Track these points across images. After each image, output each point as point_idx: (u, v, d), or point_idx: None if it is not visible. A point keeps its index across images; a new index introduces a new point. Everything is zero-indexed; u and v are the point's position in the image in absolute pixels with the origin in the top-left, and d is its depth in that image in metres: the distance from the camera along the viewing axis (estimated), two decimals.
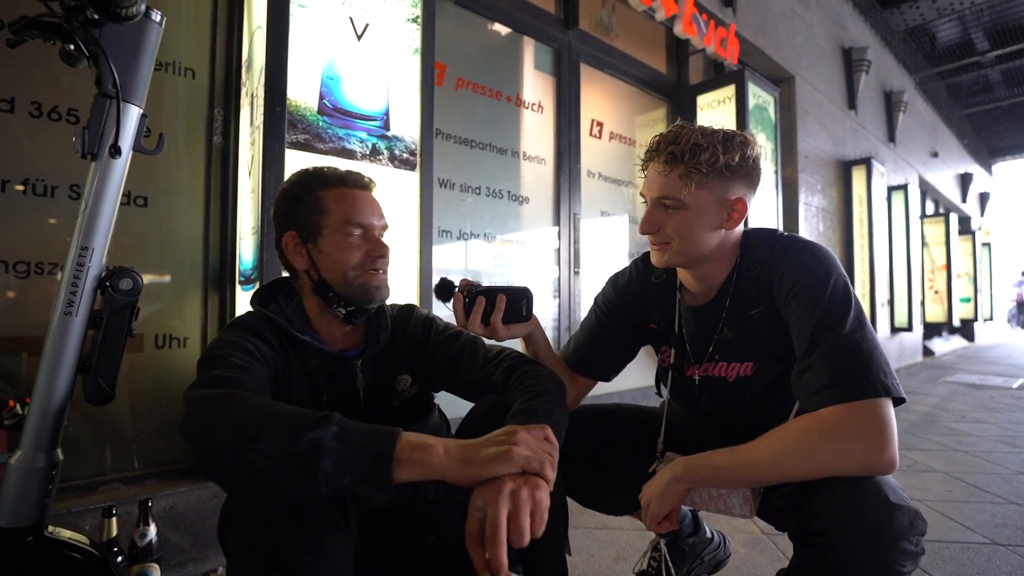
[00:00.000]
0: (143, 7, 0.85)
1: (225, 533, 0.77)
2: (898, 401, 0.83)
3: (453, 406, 1.22)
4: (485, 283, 1.05)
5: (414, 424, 1.08)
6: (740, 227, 1.06)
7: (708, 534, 1.42)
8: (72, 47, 0.82)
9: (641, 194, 1.08)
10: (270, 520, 0.70)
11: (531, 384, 0.93)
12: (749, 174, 1.02)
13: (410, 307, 1.17)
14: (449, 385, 1.11)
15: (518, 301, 1.05)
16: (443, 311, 1.17)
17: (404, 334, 1.11)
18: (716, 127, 1.02)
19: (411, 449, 0.68)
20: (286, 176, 1.67)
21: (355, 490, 0.66)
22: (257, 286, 1.65)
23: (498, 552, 0.64)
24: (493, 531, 0.65)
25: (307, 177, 1.02)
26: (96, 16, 0.81)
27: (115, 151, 0.87)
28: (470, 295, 1.02)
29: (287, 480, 0.65)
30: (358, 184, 1.03)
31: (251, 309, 1.01)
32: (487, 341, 1.10)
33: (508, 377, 0.98)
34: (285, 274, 1.09)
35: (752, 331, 1.05)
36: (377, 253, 1.01)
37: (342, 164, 1.77)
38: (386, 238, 1.05)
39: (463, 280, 1.06)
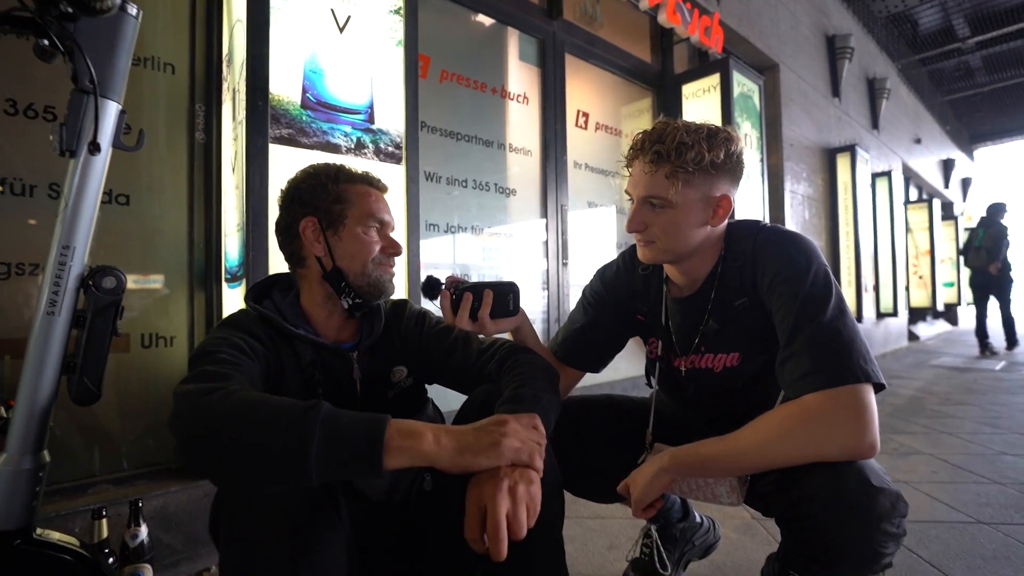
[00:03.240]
0: (118, 0, 0.83)
1: (216, 529, 0.77)
2: (878, 387, 0.84)
3: (444, 400, 1.22)
4: (474, 277, 1.06)
5: (409, 417, 1.08)
6: (725, 221, 1.07)
7: (697, 519, 1.44)
8: (46, 42, 0.80)
9: (626, 191, 1.09)
10: (260, 515, 0.70)
11: (521, 372, 0.94)
12: (733, 170, 1.03)
13: (403, 301, 1.19)
14: (443, 378, 1.12)
15: (505, 296, 1.06)
16: (430, 309, 1.18)
17: (398, 327, 1.12)
18: (699, 123, 1.03)
19: (400, 436, 0.69)
20: (271, 171, 1.67)
21: (347, 478, 0.67)
22: (244, 283, 1.64)
23: (500, 548, 0.66)
24: (495, 530, 0.67)
25: (333, 169, 1.05)
26: (70, 10, 0.80)
27: (94, 148, 0.86)
28: (457, 292, 1.03)
29: (277, 472, 0.65)
30: (378, 185, 1.08)
31: (244, 306, 1.01)
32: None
33: (501, 367, 1.00)
34: (276, 271, 1.10)
35: (737, 322, 1.06)
36: (393, 250, 1.06)
37: (327, 158, 1.76)
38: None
39: (449, 277, 1.06)
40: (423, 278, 1.08)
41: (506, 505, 0.68)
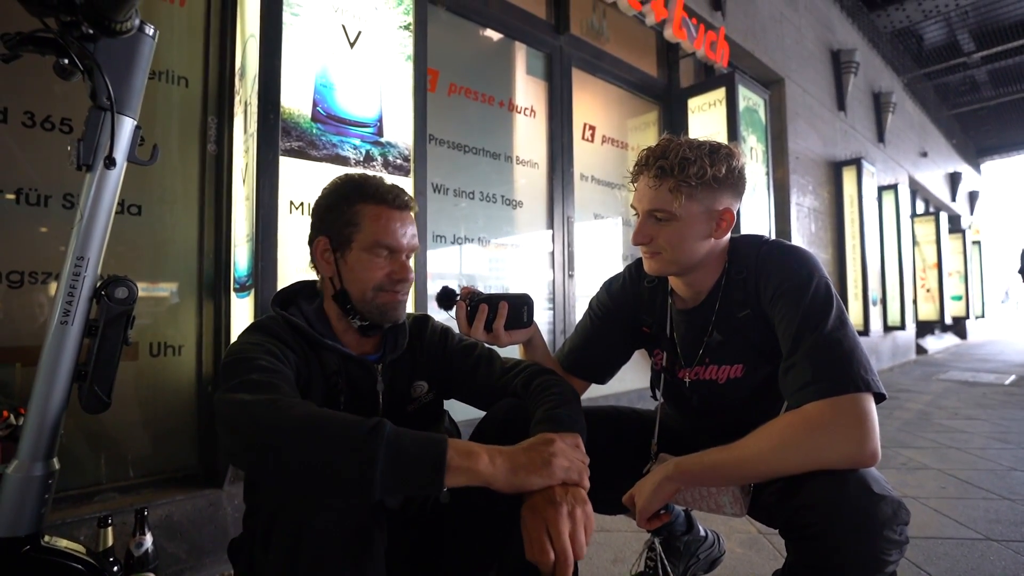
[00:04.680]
0: (137, 22, 0.86)
1: (245, 548, 0.78)
2: (879, 397, 0.85)
3: (452, 410, 1.23)
4: (480, 287, 1.07)
5: (427, 429, 1.09)
6: (728, 235, 1.09)
7: (702, 532, 1.43)
8: (66, 61, 0.83)
9: (632, 206, 1.11)
10: (325, 517, 0.72)
11: (555, 392, 0.96)
12: (735, 185, 1.05)
13: (425, 316, 1.19)
14: (463, 393, 1.13)
15: (519, 308, 1.08)
16: (442, 318, 1.19)
17: (421, 342, 1.13)
18: (702, 139, 1.06)
19: (460, 457, 0.72)
20: (280, 183, 1.69)
21: (408, 495, 0.70)
22: (253, 293, 1.65)
23: (567, 572, 0.71)
24: (563, 555, 0.71)
25: (349, 186, 1.01)
26: (91, 31, 0.82)
27: (110, 162, 0.88)
28: (473, 303, 1.04)
29: (342, 488, 0.68)
30: (397, 204, 1.01)
31: (270, 312, 1.02)
32: (501, 353, 1.13)
33: (528, 385, 1.01)
34: (285, 281, 1.10)
35: (741, 333, 1.07)
36: (399, 276, 1.01)
37: (336, 171, 1.78)
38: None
39: (464, 288, 1.07)
40: (437, 289, 1.08)
41: (568, 528, 0.72)
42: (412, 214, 1.05)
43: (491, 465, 0.73)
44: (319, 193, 1.05)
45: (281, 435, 0.69)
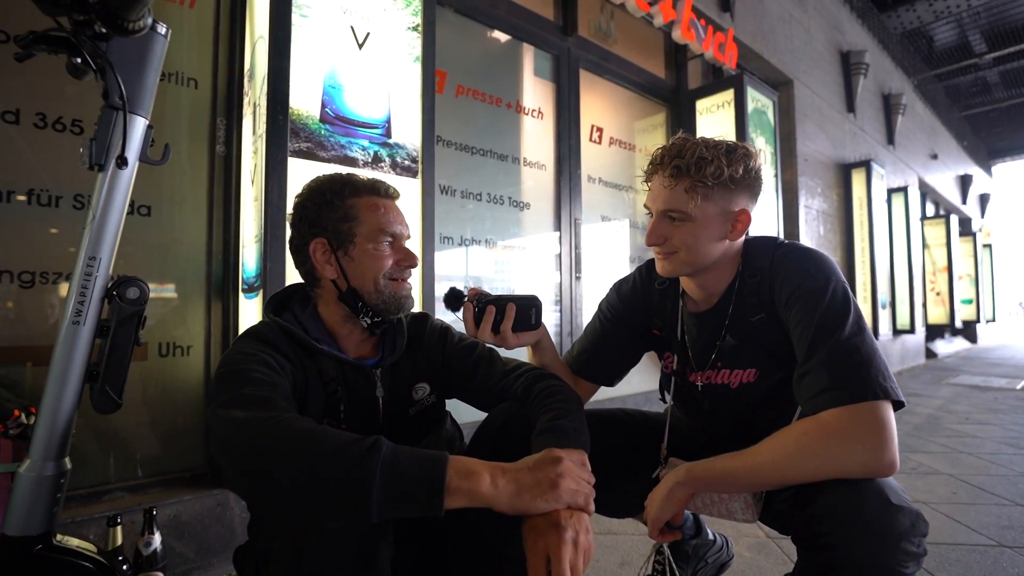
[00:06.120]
0: (150, 20, 0.86)
1: (251, 557, 0.76)
2: (898, 405, 0.83)
3: (456, 411, 1.22)
4: (487, 289, 1.06)
5: (429, 433, 1.08)
6: (743, 236, 1.07)
7: (710, 536, 1.42)
8: (79, 60, 0.83)
9: (645, 205, 1.09)
10: (328, 535, 0.70)
11: (558, 400, 0.93)
12: (752, 185, 1.03)
13: (424, 315, 1.16)
14: (463, 394, 1.10)
15: (527, 310, 1.06)
16: (449, 319, 1.18)
17: (420, 342, 1.10)
18: (718, 139, 1.03)
19: (460, 478, 0.69)
20: (289, 184, 1.70)
21: (406, 516, 0.67)
22: (261, 294, 1.66)
23: None
24: None
25: (337, 183, 0.99)
26: (104, 30, 0.83)
27: (122, 162, 0.88)
28: (480, 304, 1.03)
29: (338, 511, 0.66)
30: (387, 194, 1.02)
31: (264, 318, 0.99)
32: (503, 353, 1.11)
33: (529, 389, 0.99)
34: (293, 282, 1.09)
35: (754, 337, 1.05)
36: (407, 262, 1.00)
37: (345, 172, 1.79)
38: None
39: (472, 289, 1.06)
40: (444, 290, 1.07)
41: (570, 555, 0.70)
42: (398, 204, 1.05)
43: (493, 487, 0.71)
44: (296, 199, 1.02)
45: (274, 456, 0.67)
